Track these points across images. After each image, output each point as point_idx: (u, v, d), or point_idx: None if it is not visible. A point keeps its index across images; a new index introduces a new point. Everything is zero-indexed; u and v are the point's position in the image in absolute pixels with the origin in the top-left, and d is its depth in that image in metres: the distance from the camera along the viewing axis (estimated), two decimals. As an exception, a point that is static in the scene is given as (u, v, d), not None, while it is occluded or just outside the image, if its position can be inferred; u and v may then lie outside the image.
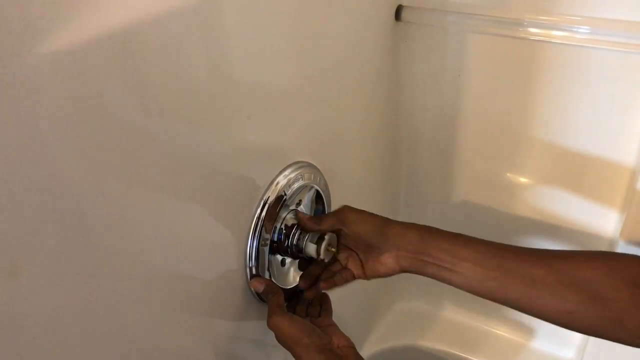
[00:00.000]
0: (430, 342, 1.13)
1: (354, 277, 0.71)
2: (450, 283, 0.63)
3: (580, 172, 0.90)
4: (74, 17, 0.41)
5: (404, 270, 0.66)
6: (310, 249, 0.69)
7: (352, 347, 0.64)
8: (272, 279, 0.72)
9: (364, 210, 0.70)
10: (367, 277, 0.69)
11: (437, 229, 0.66)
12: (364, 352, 1.10)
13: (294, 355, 0.62)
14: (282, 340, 0.63)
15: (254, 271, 0.68)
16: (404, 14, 0.89)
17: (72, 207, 0.45)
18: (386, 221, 0.68)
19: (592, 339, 1.00)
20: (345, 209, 0.70)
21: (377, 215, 0.69)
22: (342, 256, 0.71)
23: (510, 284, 0.58)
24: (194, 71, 0.53)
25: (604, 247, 0.93)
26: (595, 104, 0.83)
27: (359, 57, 0.83)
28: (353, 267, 0.70)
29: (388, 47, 0.90)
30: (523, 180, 0.96)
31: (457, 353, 1.11)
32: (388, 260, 0.66)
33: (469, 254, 0.61)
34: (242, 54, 0.58)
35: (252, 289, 0.69)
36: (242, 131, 0.62)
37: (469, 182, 1.02)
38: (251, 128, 0.63)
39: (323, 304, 0.75)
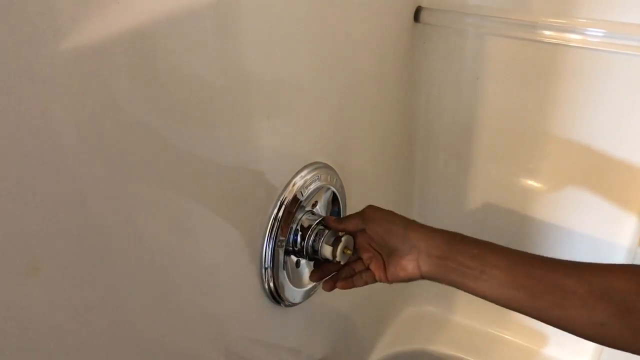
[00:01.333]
0: (440, 347, 1.12)
1: (374, 280, 0.70)
2: (474, 291, 0.61)
3: (598, 178, 0.89)
4: (95, 15, 0.41)
5: (424, 277, 0.65)
6: (326, 250, 0.69)
7: None
8: (289, 280, 0.71)
9: (389, 210, 0.69)
10: (389, 281, 0.68)
11: (463, 235, 0.64)
12: (374, 355, 1.09)
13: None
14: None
15: (269, 272, 0.67)
16: (423, 16, 0.88)
17: (90, 206, 0.44)
18: (410, 223, 0.67)
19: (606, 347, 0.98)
20: (369, 208, 0.69)
21: (402, 216, 0.68)
22: (365, 256, 0.70)
23: (540, 293, 0.56)
24: (211, 71, 0.53)
25: (621, 254, 0.92)
26: (614, 109, 0.82)
27: (377, 57, 0.82)
28: (375, 269, 0.69)
29: (406, 49, 0.90)
30: (538, 185, 0.95)
31: (468, 358, 1.10)
32: (409, 264, 0.65)
33: (497, 260, 0.59)
34: (260, 54, 0.58)
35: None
36: (259, 132, 0.61)
37: (483, 185, 1.01)
38: (269, 129, 0.63)
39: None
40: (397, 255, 0.66)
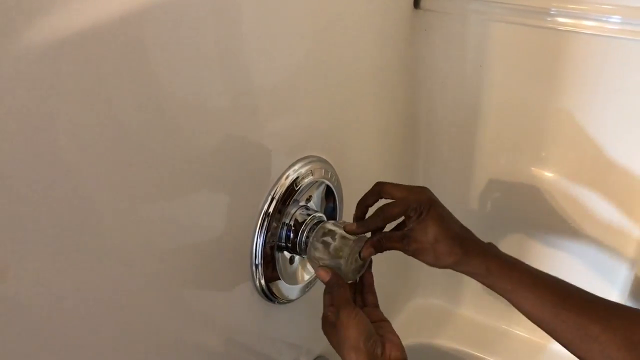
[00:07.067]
0: (446, 341, 1.10)
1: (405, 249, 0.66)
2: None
3: (609, 165, 0.85)
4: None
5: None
6: (320, 246, 0.67)
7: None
8: (282, 277, 0.69)
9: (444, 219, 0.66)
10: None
11: (501, 263, 0.63)
12: (377, 349, 1.08)
13: (339, 351, 0.61)
14: (339, 335, 0.61)
15: (260, 269, 0.66)
16: (424, 2, 0.85)
17: (72, 201, 0.43)
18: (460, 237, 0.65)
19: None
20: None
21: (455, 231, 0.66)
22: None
23: (563, 332, 0.58)
24: (201, 60, 0.51)
25: (631, 245, 0.89)
26: (625, 99, 0.79)
27: (375, 46, 0.80)
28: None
29: (406, 37, 0.87)
30: (546, 175, 0.92)
31: (474, 353, 1.08)
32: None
33: (529, 299, 0.61)
34: (253, 43, 0.56)
35: (319, 277, 0.64)
36: (250, 124, 0.60)
37: (490, 176, 0.98)
38: (260, 121, 0.61)
39: (368, 292, 0.70)
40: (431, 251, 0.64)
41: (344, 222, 0.68)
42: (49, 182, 0.41)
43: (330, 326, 0.63)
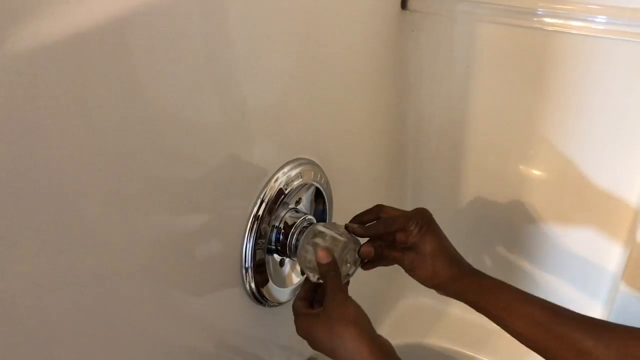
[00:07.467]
0: (436, 340, 1.10)
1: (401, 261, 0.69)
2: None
3: (597, 165, 0.86)
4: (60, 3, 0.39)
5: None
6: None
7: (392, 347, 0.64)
8: (272, 280, 0.69)
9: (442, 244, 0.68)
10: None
11: (494, 281, 0.66)
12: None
13: (339, 336, 0.59)
14: (333, 316, 0.60)
15: (250, 272, 0.65)
16: (411, 2, 0.85)
17: (63, 208, 0.43)
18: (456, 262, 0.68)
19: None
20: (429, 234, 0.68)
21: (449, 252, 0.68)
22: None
23: (557, 348, 0.59)
24: (189, 66, 0.51)
25: (618, 246, 0.90)
26: (612, 98, 0.80)
27: (363, 48, 0.80)
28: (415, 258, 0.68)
29: (394, 37, 0.87)
30: (534, 175, 0.93)
31: (465, 352, 1.08)
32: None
33: (523, 316, 0.62)
34: (241, 48, 0.56)
35: (318, 259, 0.63)
36: (238, 127, 0.59)
37: (478, 177, 0.99)
38: (248, 124, 0.61)
39: None
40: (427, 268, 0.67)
41: (335, 224, 0.68)
42: (34, 184, 0.41)
43: (312, 318, 0.63)
